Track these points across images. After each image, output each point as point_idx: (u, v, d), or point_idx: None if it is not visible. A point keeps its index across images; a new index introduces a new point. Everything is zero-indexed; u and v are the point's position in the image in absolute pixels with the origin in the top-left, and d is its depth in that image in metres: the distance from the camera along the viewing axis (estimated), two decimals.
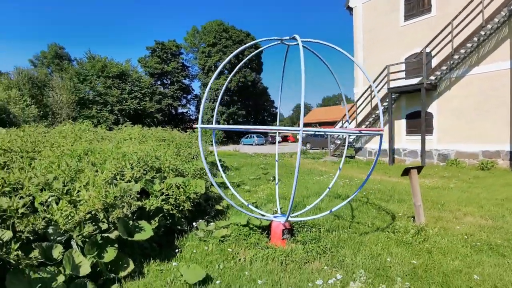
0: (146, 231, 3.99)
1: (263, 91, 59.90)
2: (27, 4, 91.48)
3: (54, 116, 31.11)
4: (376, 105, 16.18)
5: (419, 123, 14.44)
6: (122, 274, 3.58)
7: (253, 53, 5.95)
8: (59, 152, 6.20)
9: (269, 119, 68.24)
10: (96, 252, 3.43)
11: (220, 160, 12.55)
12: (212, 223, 5.37)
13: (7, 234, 2.94)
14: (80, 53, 44.88)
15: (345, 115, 18.68)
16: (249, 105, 57.24)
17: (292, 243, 4.49)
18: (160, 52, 53.14)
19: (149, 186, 5.11)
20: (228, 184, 5.41)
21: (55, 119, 31.16)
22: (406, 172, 5.08)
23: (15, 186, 3.66)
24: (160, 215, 4.68)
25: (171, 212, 4.92)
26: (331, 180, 10.22)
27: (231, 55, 4.35)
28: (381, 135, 4.00)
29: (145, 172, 5.49)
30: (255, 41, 4.57)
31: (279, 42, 4.60)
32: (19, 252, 2.66)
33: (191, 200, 5.20)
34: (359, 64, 4.58)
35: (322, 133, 4.63)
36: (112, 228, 3.75)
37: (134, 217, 4.29)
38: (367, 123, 17.63)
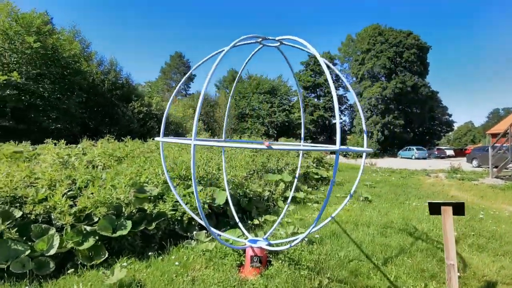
0: (127, 228, 4.54)
1: (430, 97, 50.77)
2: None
3: (220, 129, 38.05)
4: None
5: None
6: (96, 261, 4.24)
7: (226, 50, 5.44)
8: (144, 159, 7.82)
9: (439, 128, 57.02)
10: (77, 240, 4.25)
11: (316, 174, 11.91)
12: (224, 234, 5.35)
13: (18, 213, 4.18)
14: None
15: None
16: (410, 113, 49.99)
17: (260, 274, 3.90)
18: (314, 65, 55.06)
19: (170, 192, 5.69)
20: (197, 199, 5.25)
21: (220, 131, 38.04)
22: (435, 209, 3.34)
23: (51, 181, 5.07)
24: (162, 219, 5.11)
25: (178, 218, 5.29)
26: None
27: (202, 60, 4.31)
28: (337, 152, 2.95)
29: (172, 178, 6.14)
30: (233, 43, 4.06)
31: (259, 40, 4.13)
32: (3, 227, 3.74)
33: (195, 209, 5.38)
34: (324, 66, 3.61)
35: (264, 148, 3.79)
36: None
37: (134, 217, 4.93)
38: None
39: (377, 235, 5.62)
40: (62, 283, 3.67)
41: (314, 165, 13.45)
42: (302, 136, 5.56)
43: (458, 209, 3.23)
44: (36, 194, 4.43)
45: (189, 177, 6.24)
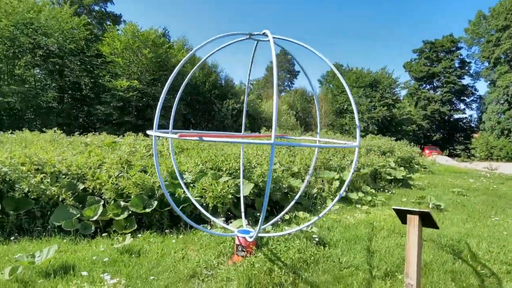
0: (152, 207, 5.39)
1: None
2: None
3: (314, 125, 37.60)
4: None
5: None
6: (127, 231, 5.24)
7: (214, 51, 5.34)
8: (198, 150, 8.83)
9: None
10: (117, 212, 5.33)
11: (389, 174, 10.71)
12: (231, 223, 5.70)
13: (80, 186, 5.54)
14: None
15: None
16: None
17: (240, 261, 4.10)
18: (429, 52, 47.73)
19: (200, 180, 6.35)
20: (188, 192, 5.49)
21: (315, 127, 37.66)
22: (403, 217, 2.84)
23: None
24: (188, 203, 5.79)
25: (203, 204, 5.89)
26: None
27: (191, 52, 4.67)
28: (272, 146, 2.90)
29: (203, 169, 6.76)
30: (219, 36, 3.99)
31: (247, 37, 4.25)
32: (64, 196, 5.07)
33: (217, 197, 5.83)
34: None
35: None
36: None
37: (164, 199, 5.74)
38: None
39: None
40: (94, 242, 4.74)
41: (393, 164, 12.05)
42: (318, 131, 5.31)
43: (430, 220, 2.69)
44: (94, 173, 5.74)
45: (222, 169, 6.76)
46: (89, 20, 24.13)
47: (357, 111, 3.86)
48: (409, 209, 2.74)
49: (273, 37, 4.12)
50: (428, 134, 49.99)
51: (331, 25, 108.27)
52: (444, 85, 46.99)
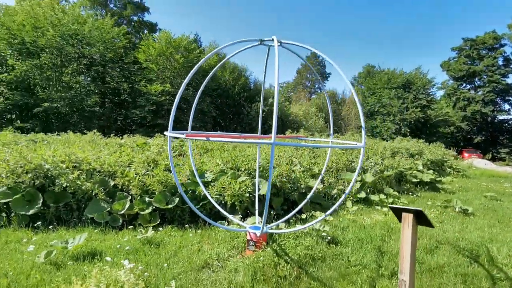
0: (174, 204, 5.80)
1: None
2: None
3: (346, 127, 36.88)
4: None
5: None
6: (150, 224, 5.68)
7: (227, 57, 5.55)
8: (221, 152, 9.22)
9: None
10: (142, 207, 5.81)
11: (415, 177, 10.38)
12: (246, 221, 5.94)
13: (111, 183, 6.09)
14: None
15: None
16: None
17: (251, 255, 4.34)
18: (469, 50, 44.79)
19: (220, 179, 6.68)
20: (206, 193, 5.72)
21: (346, 129, 36.93)
22: (399, 216, 2.92)
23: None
24: (207, 201, 6.14)
25: (221, 202, 6.21)
26: None
27: (201, 61, 4.99)
28: (272, 146, 3.11)
29: (224, 169, 7.07)
30: (231, 43, 4.39)
31: (258, 43, 4.51)
32: (97, 191, 5.62)
33: (235, 196, 6.12)
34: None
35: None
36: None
37: (178, 194, 6.15)
38: None
39: (422, 249, 4.84)
40: (121, 233, 5.21)
41: (421, 167, 11.63)
42: (331, 132, 5.40)
43: (425, 218, 2.76)
44: (123, 171, 6.27)
45: (241, 169, 7.04)
46: (128, 30, 25.79)
47: (363, 114, 3.95)
48: (405, 207, 2.83)
49: (284, 42, 4.37)
50: (468, 136, 46.82)
51: (360, 26, 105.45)
52: (487, 85, 43.74)
